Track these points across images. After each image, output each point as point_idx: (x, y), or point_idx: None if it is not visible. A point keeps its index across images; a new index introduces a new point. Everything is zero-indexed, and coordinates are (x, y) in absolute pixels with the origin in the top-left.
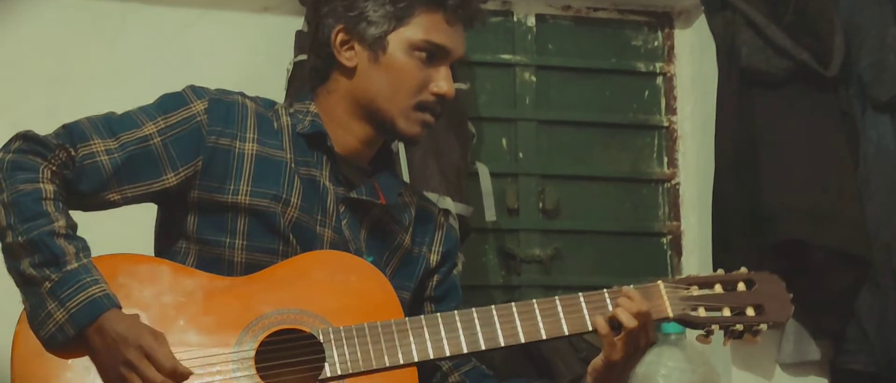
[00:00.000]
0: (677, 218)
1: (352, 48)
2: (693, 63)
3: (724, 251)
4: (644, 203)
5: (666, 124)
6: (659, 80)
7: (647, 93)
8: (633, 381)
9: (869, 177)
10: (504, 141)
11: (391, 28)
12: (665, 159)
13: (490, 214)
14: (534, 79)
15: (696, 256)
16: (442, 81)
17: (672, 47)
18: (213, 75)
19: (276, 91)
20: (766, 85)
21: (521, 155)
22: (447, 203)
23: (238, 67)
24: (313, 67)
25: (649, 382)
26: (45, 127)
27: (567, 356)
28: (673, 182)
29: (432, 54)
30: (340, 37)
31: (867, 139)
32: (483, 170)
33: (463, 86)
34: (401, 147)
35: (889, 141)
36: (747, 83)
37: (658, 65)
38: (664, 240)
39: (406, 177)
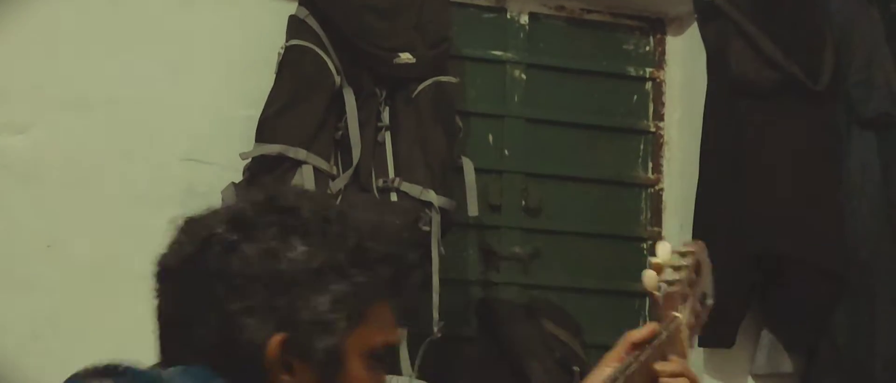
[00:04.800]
0: (659, 223)
1: (290, 369)
2: (683, 70)
3: None
4: (627, 207)
5: (653, 129)
6: (648, 84)
7: (635, 97)
8: None
9: (851, 194)
10: (490, 137)
11: (350, 331)
12: (650, 164)
13: (473, 209)
14: (524, 77)
15: None
16: None
17: (663, 53)
18: (209, 55)
19: (266, 76)
20: (755, 95)
21: (506, 152)
22: (430, 196)
23: (235, 48)
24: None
25: None
26: (32, 101)
27: (542, 356)
28: (657, 187)
29: (385, 356)
30: (278, 351)
31: (852, 155)
32: (468, 165)
33: (453, 79)
34: (387, 136)
35: (873, 158)
36: (736, 93)
37: (648, 70)
38: (645, 246)
39: (391, 169)
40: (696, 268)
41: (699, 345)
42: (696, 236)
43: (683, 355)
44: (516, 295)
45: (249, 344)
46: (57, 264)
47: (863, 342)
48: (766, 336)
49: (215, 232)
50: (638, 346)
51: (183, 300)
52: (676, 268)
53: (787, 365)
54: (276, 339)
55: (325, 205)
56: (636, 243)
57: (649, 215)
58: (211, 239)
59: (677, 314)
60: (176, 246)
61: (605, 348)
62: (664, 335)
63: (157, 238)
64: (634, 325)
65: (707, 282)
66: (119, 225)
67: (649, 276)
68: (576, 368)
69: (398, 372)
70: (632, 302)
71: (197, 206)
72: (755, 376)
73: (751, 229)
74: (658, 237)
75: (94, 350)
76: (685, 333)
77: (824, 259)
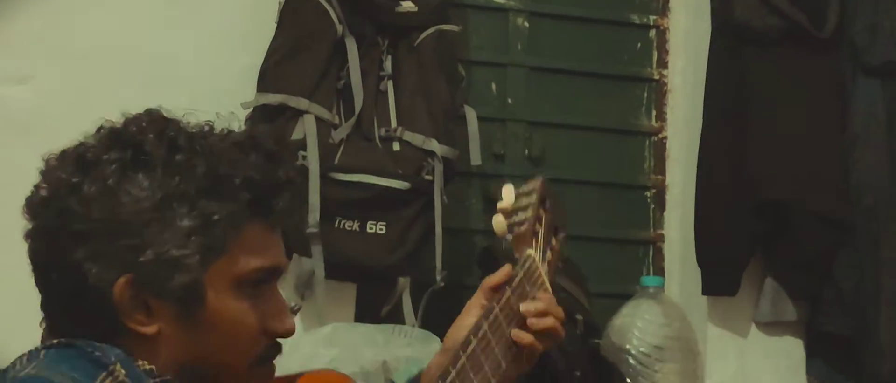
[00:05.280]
0: (662, 172)
1: (146, 307)
2: (687, 17)
3: (707, 207)
4: (630, 155)
5: (657, 77)
6: (652, 32)
7: (639, 45)
8: (609, 333)
9: (855, 142)
10: (493, 85)
11: (207, 264)
12: (654, 113)
13: (475, 158)
14: (527, 25)
15: (679, 211)
16: (285, 317)
17: (667, 0)
18: (210, 4)
19: (267, 25)
20: (759, 43)
21: (509, 100)
22: (433, 145)
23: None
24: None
25: (626, 335)
26: (34, 52)
27: None
28: (660, 135)
29: (263, 283)
30: (128, 293)
31: (856, 103)
32: (471, 114)
33: (455, 28)
34: (389, 85)
35: (878, 106)
36: (740, 40)
37: (652, 17)
38: (648, 194)
39: (393, 118)
40: (543, 204)
41: (703, 294)
42: (700, 185)
43: (547, 291)
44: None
45: (95, 290)
46: None
47: (868, 289)
48: (769, 284)
49: (60, 175)
50: (497, 290)
51: (38, 248)
52: (523, 209)
53: (791, 312)
54: (121, 282)
55: (175, 132)
56: (640, 191)
57: (653, 163)
58: (56, 182)
59: (530, 251)
60: (33, 190)
61: (609, 297)
62: (521, 274)
63: None
64: (639, 274)
65: (558, 215)
66: None
67: (498, 222)
68: (579, 317)
69: (401, 321)
70: (636, 251)
71: None
72: (759, 324)
73: (755, 177)
74: (662, 185)
75: None
76: (543, 268)
77: (829, 206)
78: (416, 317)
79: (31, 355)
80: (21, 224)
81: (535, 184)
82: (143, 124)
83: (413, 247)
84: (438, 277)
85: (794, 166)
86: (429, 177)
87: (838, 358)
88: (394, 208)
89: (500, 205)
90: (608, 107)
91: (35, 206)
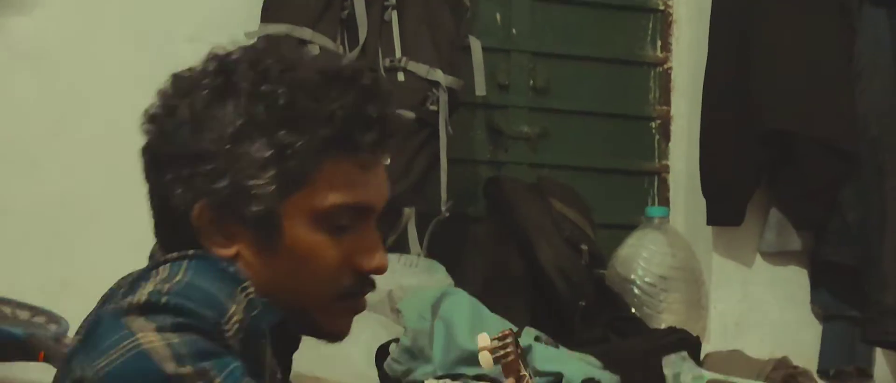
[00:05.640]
0: (667, 102)
1: (225, 231)
2: None
3: (712, 138)
4: (635, 85)
5: (661, 7)
6: None
7: None
8: (614, 263)
9: (862, 72)
10: (498, 16)
11: (284, 195)
12: (659, 43)
13: (480, 89)
14: None
15: (684, 142)
16: (374, 254)
17: None
18: None
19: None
20: None
21: (514, 30)
22: (437, 75)
23: None
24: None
25: (631, 265)
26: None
27: (551, 235)
28: (665, 66)
29: (352, 219)
30: (206, 217)
31: (862, 33)
32: (475, 45)
33: None
34: (393, 15)
35: (884, 36)
36: None
37: None
38: (653, 125)
39: (397, 48)
40: (516, 343)
41: (708, 224)
42: (705, 115)
43: None
44: (524, 175)
45: (178, 211)
46: (63, 146)
47: (873, 219)
48: (774, 214)
49: (165, 96)
50: None
51: (142, 165)
52: (502, 346)
53: (795, 242)
54: (199, 206)
55: (271, 63)
56: (645, 122)
57: (658, 94)
58: (161, 103)
59: (524, 372)
60: (145, 112)
61: (614, 227)
62: None
63: None
64: (643, 204)
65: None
66: (125, 106)
67: (484, 358)
68: (584, 246)
69: (406, 251)
70: (640, 181)
71: None
72: (764, 254)
73: (760, 107)
74: (667, 116)
75: (100, 233)
76: None
77: (834, 136)
78: (421, 247)
79: (173, 265)
80: (27, 153)
81: (506, 331)
82: (244, 52)
83: (418, 177)
84: (443, 207)
85: (799, 96)
86: (433, 108)
87: (843, 287)
88: (398, 138)
89: (480, 345)
90: (613, 37)
91: (144, 125)
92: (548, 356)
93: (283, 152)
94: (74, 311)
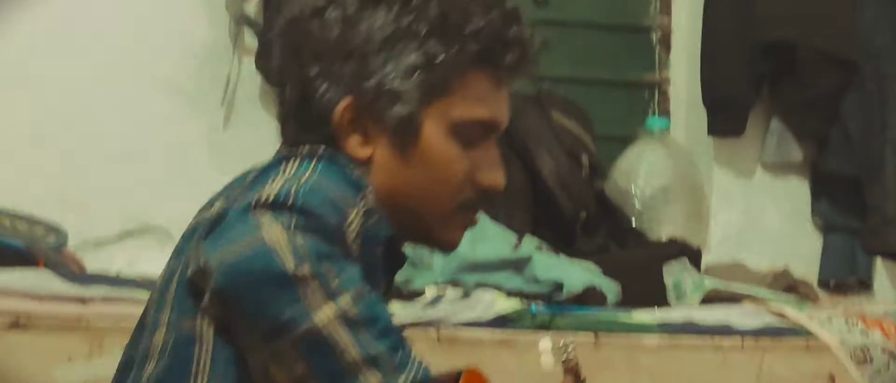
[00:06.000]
0: (668, 13)
1: (364, 132)
2: None
3: (712, 49)
4: None
5: None
6: None
7: None
8: (615, 175)
9: None
10: None
11: (426, 102)
12: None
13: None
14: None
15: (684, 53)
16: (496, 170)
17: None
18: None
19: None
20: None
21: None
22: None
23: None
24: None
25: (631, 177)
26: None
27: (552, 147)
28: None
29: (480, 134)
30: (348, 115)
31: None
32: None
33: None
34: None
35: None
36: None
37: None
38: (654, 36)
39: None
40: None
41: (708, 134)
42: (706, 25)
43: None
44: (524, 87)
45: (320, 105)
46: (63, 59)
47: (874, 129)
48: (775, 124)
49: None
50: None
51: (281, 60)
52: (564, 349)
53: (796, 153)
54: (344, 103)
55: None
56: (645, 33)
57: (658, 5)
58: (305, 4)
59: (584, 377)
60: (288, 6)
61: (614, 139)
62: None
63: (169, 36)
64: (644, 116)
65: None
66: (129, 22)
67: (546, 360)
68: (584, 158)
69: None
70: (641, 93)
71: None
72: (765, 164)
73: (761, 17)
74: (668, 27)
75: (100, 148)
76: None
77: (836, 46)
78: None
79: (303, 161)
80: (26, 66)
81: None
82: None
83: None
84: None
85: (802, 6)
86: None
87: (843, 198)
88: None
89: (543, 347)
90: None
91: (286, 22)
92: (548, 264)
93: (431, 60)
94: (71, 223)
